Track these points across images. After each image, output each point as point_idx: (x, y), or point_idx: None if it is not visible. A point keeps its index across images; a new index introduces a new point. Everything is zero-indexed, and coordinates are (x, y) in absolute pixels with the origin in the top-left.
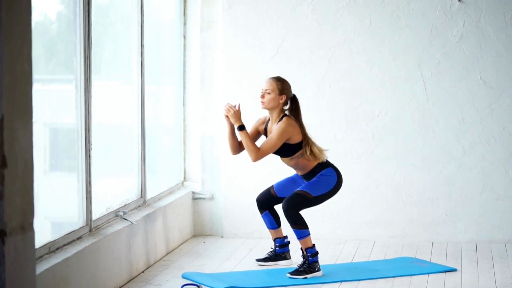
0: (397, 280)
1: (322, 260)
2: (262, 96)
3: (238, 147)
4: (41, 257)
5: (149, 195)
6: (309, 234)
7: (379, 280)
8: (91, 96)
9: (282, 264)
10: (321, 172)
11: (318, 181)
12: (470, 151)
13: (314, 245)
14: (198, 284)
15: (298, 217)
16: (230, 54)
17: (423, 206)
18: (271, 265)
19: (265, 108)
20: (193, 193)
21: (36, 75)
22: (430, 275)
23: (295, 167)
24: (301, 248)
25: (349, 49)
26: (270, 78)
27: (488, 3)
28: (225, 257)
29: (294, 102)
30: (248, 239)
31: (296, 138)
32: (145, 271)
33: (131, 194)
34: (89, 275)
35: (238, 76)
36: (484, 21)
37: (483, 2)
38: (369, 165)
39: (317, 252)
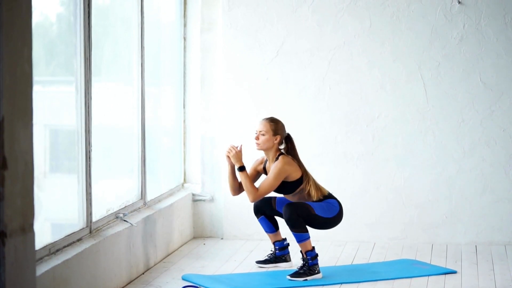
0: (397, 282)
1: (322, 262)
2: (257, 138)
3: (238, 188)
4: (41, 258)
5: (149, 196)
6: (308, 237)
7: (379, 282)
8: (91, 98)
9: (282, 266)
10: (326, 200)
11: (322, 205)
12: (470, 153)
13: (313, 247)
14: (198, 286)
15: (298, 221)
16: (230, 56)
17: (423, 208)
18: (271, 267)
19: (261, 149)
20: (193, 194)
21: (36, 77)
22: (430, 277)
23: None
24: (301, 251)
25: (349, 51)
26: (263, 120)
27: (488, 5)
28: (225, 259)
29: (289, 141)
30: (248, 241)
31: (295, 175)
32: (145, 273)
33: (131, 195)
34: (89, 276)
35: (238, 77)
36: (484, 23)
37: (483, 4)
38: (369, 167)
39: (317, 255)
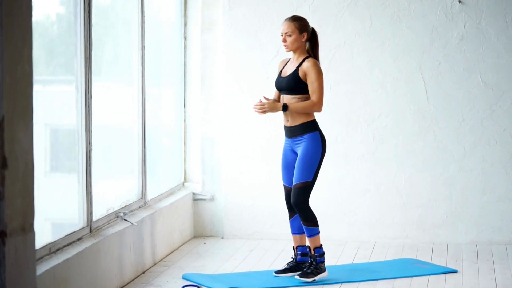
0: (398, 281)
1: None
2: (284, 40)
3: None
4: (41, 258)
5: (150, 196)
6: (319, 232)
7: (379, 281)
8: (91, 97)
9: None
10: (307, 135)
11: (304, 160)
12: (470, 153)
13: (321, 245)
14: (199, 285)
15: (310, 213)
16: (231, 56)
17: (424, 207)
18: (291, 276)
19: (290, 50)
20: (194, 194)
21: (36, 76)
22: (430, 276)
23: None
24: (308, 248)
25: (350, 50)
26: (286, 20)
27: (488, 5)
28: (225, 258)
29: (313, 36)
30: (248, 240)
31: None
32: (145, 272)
33: (131, 195)
34: (89, 276)
35: (239, 77)
36: (485, 23)
37: (483, 3)
38: (370, 166)
39: (324, 253)
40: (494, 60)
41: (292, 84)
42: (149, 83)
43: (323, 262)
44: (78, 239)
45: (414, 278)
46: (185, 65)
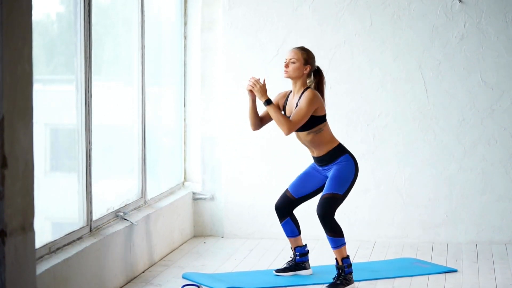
0: (398, 281)
1: (323, 260)
2: (286, 66)
3: (259, 123)
4: (41, 257)
5: (150, 195)
6: (345, 243)
7: (379, 280)
8: (91, 97)
9: (301, 273)
10: (338, 160)
11: (338, 176)
12: (470, 152)
13: (348, 256)
14: (199, 285)
15: (334, 224)
16: (231, 55)
17: (424, 207)
18: (291, 275)
19: (289, 77)
20: (194, 193)
21: (36, 76)
22: (430, 275)
23: (310, 144)
24: (336, 259)
25: (350, 50)
26: (294, 48)
27: (489, 4)
28: (225, 257)
29: (318, 74)
30: (248, 239)
31: (321, 111)
32: (145, 272)
33: (131, 194)
34: (89, 275)
35: (239, 77)
36: (485, 22)
37: (484, 2)
38: (370, 166)
39: (351, 264)
40: (494, 60)
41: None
42: (149, 82)
43: (351, 272)
44: (78, 239)
45: (414, 277)
46: (185, 64)
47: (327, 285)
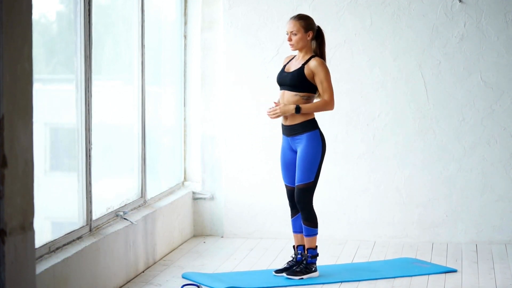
0: (397, 280)
1: (322, 260)
2: (289, 39)
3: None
4: (41, 257)
5: (149, 195)
6: (316, 234)
7: (379, 280)
8: (91, 96)
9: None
10: (307, 133)
11: (305, 159)
12: (470, 152)
13: (317, 247)
14: (198, 284)
15: (311, 214)
16: (231, 54)
17: (424, 206)
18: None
19: (295, 49)
20: (194, 193)
21: (36, 75)
22: (430, 275)
23: None
24: (303, 246)
25: (350, 49)
26: (292, 19)
27: (489, 4)
28: (225, 257)
29: (319, 35)
30: (248, 239)
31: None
32: (145, 271)
33: (131, 194)
34: (89, 275)
35: (239, 76)
36: (485, 22)
37: (484, 2)
38: (370, 165)
39: (317, 255)
40: (494, 59)
41: (296, 81)
42: (149, 82)
43: (314, 263)
44: (78, 238)
45: (413, 277)
46: (185, 64)
47: (287, 272)
